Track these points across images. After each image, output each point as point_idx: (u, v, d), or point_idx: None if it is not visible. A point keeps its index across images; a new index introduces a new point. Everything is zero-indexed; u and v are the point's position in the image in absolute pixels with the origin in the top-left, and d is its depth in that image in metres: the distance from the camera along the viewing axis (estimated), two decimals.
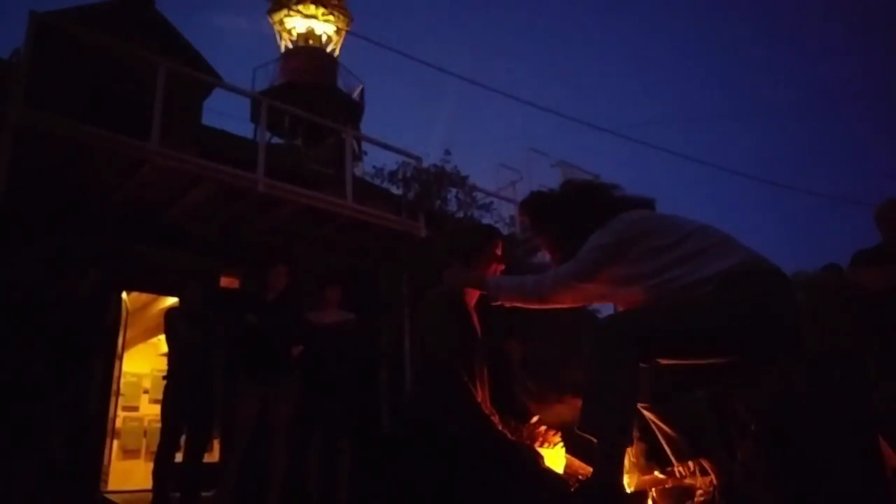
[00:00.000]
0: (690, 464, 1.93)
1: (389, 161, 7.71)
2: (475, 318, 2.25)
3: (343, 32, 16.32)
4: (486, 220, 7.48)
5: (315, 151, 10.23)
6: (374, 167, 7.88)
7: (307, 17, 15.76)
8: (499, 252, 2.34)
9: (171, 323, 4.62)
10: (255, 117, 12.65)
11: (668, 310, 1.75)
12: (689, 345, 1.73)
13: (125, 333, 6.30)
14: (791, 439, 1.73)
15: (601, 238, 1.87)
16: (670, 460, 2.01)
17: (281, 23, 16.37)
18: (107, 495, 5.70)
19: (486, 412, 2.03)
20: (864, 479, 1.70)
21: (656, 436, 1.99)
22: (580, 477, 1.91)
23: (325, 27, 16.01)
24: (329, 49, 16.29)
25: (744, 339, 1.71)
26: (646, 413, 1.96)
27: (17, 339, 3.93)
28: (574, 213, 2.01)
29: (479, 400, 2.06)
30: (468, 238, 2.40)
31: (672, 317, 1.73)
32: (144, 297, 7.22)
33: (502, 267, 2.31)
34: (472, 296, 2.27)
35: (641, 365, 1.71)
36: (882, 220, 3.44)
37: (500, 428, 2.02)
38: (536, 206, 2.18)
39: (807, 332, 1.73)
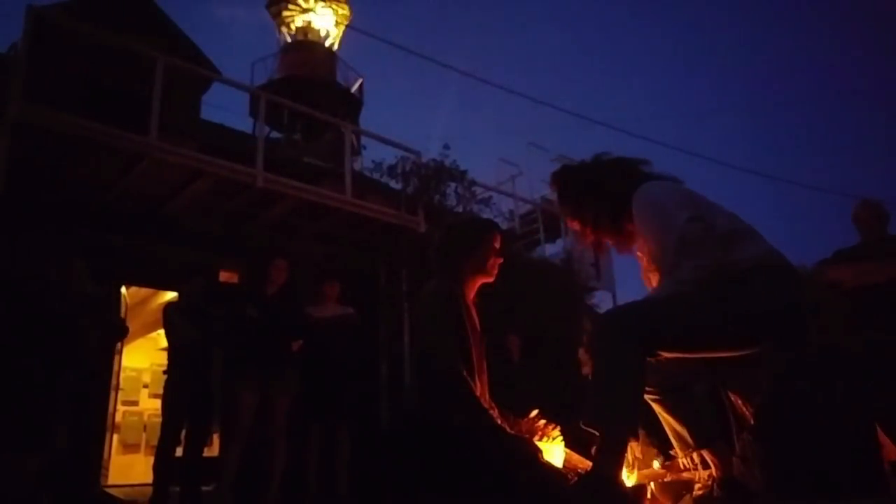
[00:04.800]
0: (694, 456, 1.93)
1: (388, 155, 7.71)
2: (474, 312, 2.24)
3: (342, 26, 16.27)
4: (485, 215, 7.47)
5: (314, 146, 10.21)
6: (373, 161, 7.89)
7: (305, 10, 15.71)
8: (497, 246, 2.33)
9: (170, 318, 4.62)
10: (253, 112, 12.61)
11: (674, 303, 1.71)
12: (695, 339, 1.71)
13: None
14: (789, 432, 1.73)
15: (664, 196, 1.80)
16: (673, 452, 2.01)
17: (279, 16, 16.30)
18: (107, 489, 5.72)
19: (485, 406, 2.03)
20: (862, 472, 1.70)
21: (663, 428, 1.99)
22: (579, 471, 1.91)
23: (324, 21, 15.95)
24: (328, 43, 16.23)
25: (749, 335, 1.69)
26: (653, 405, 1.96)
27: (15, 333, 3.93)
28: (618, 185, 1.92)
29: (479, 394, 2.05)
30: (466, 232, 2.39)
31: (678, 311, 1.69)
32: (144, 291, 7.22)
33: (500, 261, 2.29)
34: (471, 289, 2.27)
35: (647, 358, 1.69)
36: (857, 221, 3.53)
37: (499, 422, 2.01)
38: (576, 178, 2.03)
39: (811, 326, 1.72)
